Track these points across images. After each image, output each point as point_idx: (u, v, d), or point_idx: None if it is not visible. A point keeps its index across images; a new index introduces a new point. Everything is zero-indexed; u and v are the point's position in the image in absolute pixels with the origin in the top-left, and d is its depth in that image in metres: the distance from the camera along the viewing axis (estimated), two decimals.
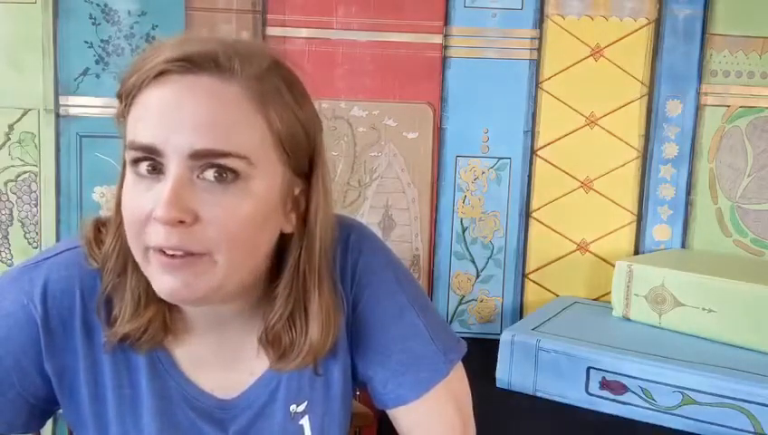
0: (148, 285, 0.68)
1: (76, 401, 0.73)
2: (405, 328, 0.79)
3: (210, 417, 0.74)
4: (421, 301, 0.82)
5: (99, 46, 1.48)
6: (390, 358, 0.78)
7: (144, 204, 0.63)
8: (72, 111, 1.49)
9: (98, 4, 1.46)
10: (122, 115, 0.67)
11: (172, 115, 0.62)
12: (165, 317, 0.72)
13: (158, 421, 0.73)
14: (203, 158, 0.62)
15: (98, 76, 1.48)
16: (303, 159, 0.72)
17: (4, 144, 1.50)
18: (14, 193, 1.51)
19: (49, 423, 1.49)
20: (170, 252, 0.62)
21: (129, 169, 0.65)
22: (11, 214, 1.51)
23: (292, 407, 0.75)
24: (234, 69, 0.65)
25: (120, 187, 0.67)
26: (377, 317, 0.78)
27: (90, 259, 0.71)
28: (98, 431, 0.74)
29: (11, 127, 1.49)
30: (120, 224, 0.67)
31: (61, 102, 1.48)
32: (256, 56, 0.69)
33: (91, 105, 1.48)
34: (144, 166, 0.63)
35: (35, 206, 1.51)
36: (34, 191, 1.51)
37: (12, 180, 1.50)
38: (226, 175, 0.63)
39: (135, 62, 0.66)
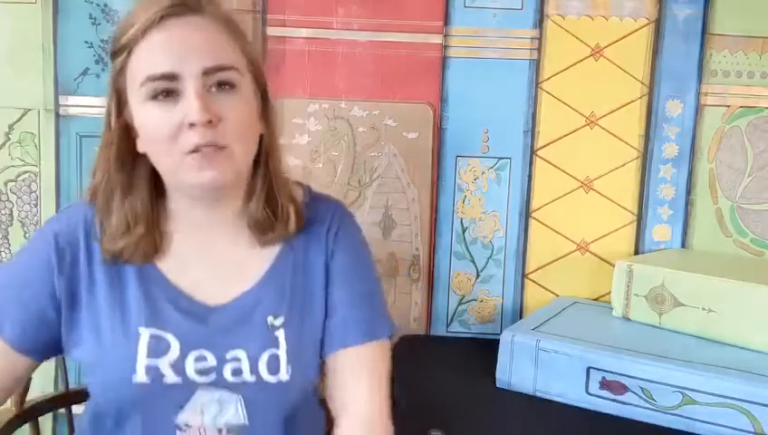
0: (137, 206, 0.89)
1: (77, 317, 0.89)
2: (367, 287, 0.97)
3: (195, 316, 0.89)
4: (378, 281, 1.01)
5: (99, 46, 1.48)
6: (351, 305, 0.93)
7: (172, 121, 0.82)
8: (72, 110, 1.49)
9: (98, 5, 1.47)
10: (123, 65, 0.84)
11: (181, 47, 0.82)
12: (154, 235, 0.90)
13: (145, 316, 0.87)
14: (211, 73, 0.82)
15: (98, 76, 1.48)
16: (261, 81, 0.91)
17: (4, 144, 1.50)
18: (14, 193, 1.51)
19: (49, 423, 1.50)
20: (205, 148, 0.81)
21: (144, 102, 0.83)
22: (11, 214, 1.51)
23: (270, 319, 0.89)
24: (212, 10, 0.86)
25: (108, 129, 0.90)
26: (348, 270, 0.95)
27: (91, 196, 0.92)
28: (94, 338, 0.88)
29: (11, 127, 1.49)
30: (106, 160, 0.90)
31: (61, 102, 1.48)
32: (220, 2, 0.89)
33: (91, 105, 1.48)
34: (161, 94, 0.82)
35: (35, 206, 1.51)
36: (34, 191, 1.51)
37: (12, 180, 1.50)
38: (226, 86, 0.84)
39: (126, 20, 0.85)
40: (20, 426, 1.14)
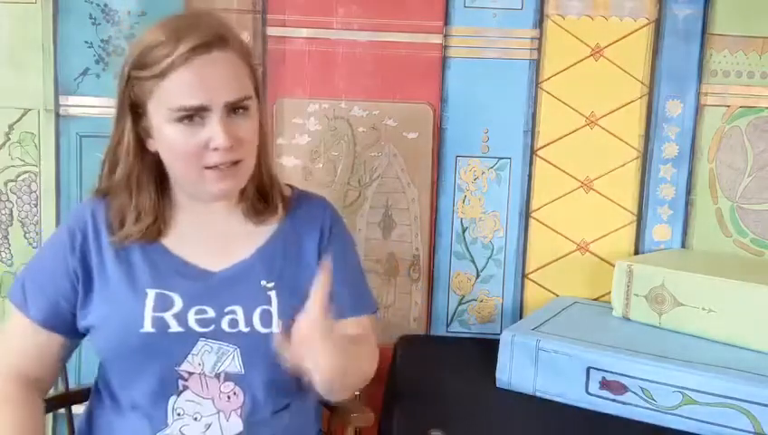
0: (146, 199, 1.03)
1: (90, 290, 1.03)
2: (358, 271, 1.16)
3: (196, 278, 1.03)
4: (363, 268, 1.20)
5: (99, 46, 1.48)
6: (344, 283, 1.04)
7: (196, 142, 0.95)
8: (72, 111, 1.49)
9: (98, 4, 1.46)
10: (152, 88, 0.96)
11: (210, 83, 0.95)
12: (160, 223, 1.04)
13: (152, 278, 1.01)
14: (233, 105, 0.97)
15: (98, 76, 1.48)
16: (259, 93, 1.05)
17: (4, 144, 1.50)
18: (14, 193, 1.51)
19: (49, 423, 1.50)
20: (223, 167, 0.97)
21: (170, 122, 0.96)
22: (11, 214, 1.51)
23: (263, 282, 1.03)
24: (230, 43, 0.98)
25: (121, 131, 1.01)
26: (341, 256, 1.09)
27: (98, 193, 1.07)
28: (104, 302, 1.01)
29: (11, 127, 1.49)
30: (124, 158, 1.01)
31: (61, 102, 1.48)
32: (234, 30, 1.01)
33: (91, 105, 1.48)
34: (187, 118, 0.95)
35: (35, 206, 1.51)
36: (34, 191, 1.51)
37: (12, 180, 1.50)
38: (241, 109, 0.98)
39: (155, 41, 0.96)
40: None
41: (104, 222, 1.04)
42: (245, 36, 1.49)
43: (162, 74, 0.95)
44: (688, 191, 1.56)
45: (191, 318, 0.99)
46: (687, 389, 1.16)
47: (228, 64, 0.97)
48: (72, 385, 1.24)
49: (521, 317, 1.57)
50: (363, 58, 1.50)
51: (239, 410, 0.99)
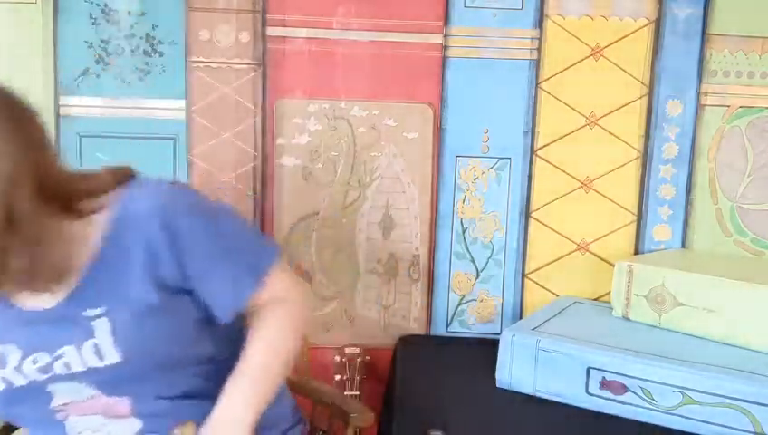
0: None
1: None
2: (224, 242, 0.97)
3: (29, 323, 0.93)
4: (231, 221, 1.01)
5: (99, 46, 1.48)
6: (217, 266, 0.95)
7: None
8: (72, 111, 1.49)
9: (98, 5, 1.47)
10: None
11: None
12: None
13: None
14: None
15: (98, 76, 1.48)
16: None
17: None
18: None
19: None
20: None
21: None
22: None
23: (87, 311, 0.91)
24: None
25: None
26: (196, 242, 0.94)
27: None
28: None
29: None
30: None
31: (61, 102, 1.48)
32: None
33: (91, 105, 1.48)
34: None
35: None
36: None
37: None
38: None
39: None
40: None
41: None
42: (245, 36, 1.49)
43: None
44: (688, 191, 1.56)
45: (28, 368, 0.92)
46: (687, 389, 1.16)
47: None
48: None
49: (521, 317, 1.57)
50: (363, 58, 1.50)
51: (129, 410, 0.95)
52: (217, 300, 0.96)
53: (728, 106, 1.52)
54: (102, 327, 0.91)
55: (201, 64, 1.50)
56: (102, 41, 1.47)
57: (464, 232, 1.57)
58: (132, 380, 0.94)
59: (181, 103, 1.50)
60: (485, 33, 1.51)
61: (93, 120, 1.49)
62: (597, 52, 1.52)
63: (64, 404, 0.94)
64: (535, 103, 1.53)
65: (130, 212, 0.94)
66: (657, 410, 1.18)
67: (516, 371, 1.29)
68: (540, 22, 1.51)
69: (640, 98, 1.53)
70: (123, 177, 0.98)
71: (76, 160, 1.49)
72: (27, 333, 0.94)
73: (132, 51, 1.48)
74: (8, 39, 1.46)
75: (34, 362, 0.93)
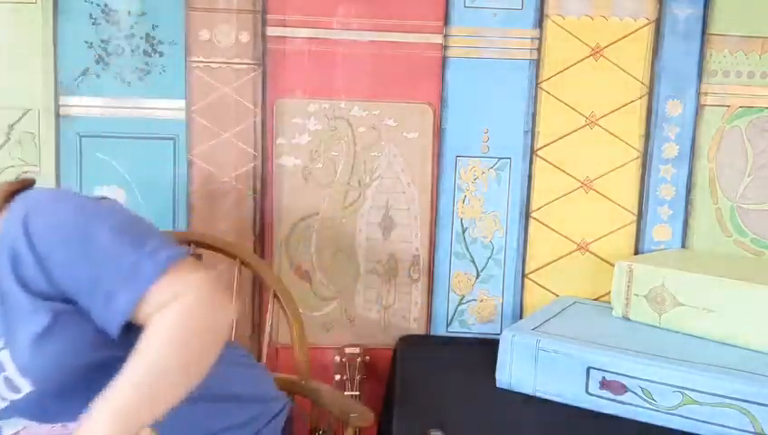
0: None
1: None
2: (96, 255, 0.86)
3: None
4: (104, 230, 0.88)
5: (99, 46, 1.48)
6: (94, 282, 0.85)
7: None
8: (72, 111, 1.49)
9: (98, 5, 1.47)
10: None
11: None
12: None
13: None
14: None
15: (98, 76, 1.48)
16: None
17: (4, 144, 1.50)
18: None
19: None
20: None
21: None
22: None
23: None
24: None
25: None
26: (62, 260, 0.86)
27: None
28: None
29: (11, 127, 1.49)
30: None
31: (61, 102, 1.48)
32: None
33: (91, 105, 1.48)
34: None
35: None
36: None
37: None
38: None
39: None
40: None
41: None
42: (245, 36, 1.49)
43: None
44: (688, 191, 1.56)
45: None
46: (687, 389, 1.16)
47: None
48: None
49: (521, 317, 1.57)
50: (363, 58, 1.50)
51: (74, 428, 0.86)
52: (95, 315, 0.87)
53: (728, 106, 1.52)
54: (7, 360, 0.86)
55: (201, 64, 1.50)
56: (102, 41, 1.47)
57: (464, 232, 1.57)
58: (57, 403, 0.89)
59: (181, 103, 1.50)
60: (485, 33, 1.51)
61: (93, 120, 1.49)
62: (597, 52, 1.52)
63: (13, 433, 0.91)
64: (535, 103, 1.53)
65: (3, 230, 0.87)
66: (657, 410, 1.18)
67: (516, 371, 1.29)
68: (540, 22, 1.51)
69: (640, 98, 1.53)
70: (12, 193, 0.91)
71: (76, 160, 1.49)
72: None
73: (132, 51, 1.48)
74: (8, 39, 1.46)
75: None
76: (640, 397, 1.19)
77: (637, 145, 1.55)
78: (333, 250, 1.57)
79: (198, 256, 1.41)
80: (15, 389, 0.87)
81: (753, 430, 1.12)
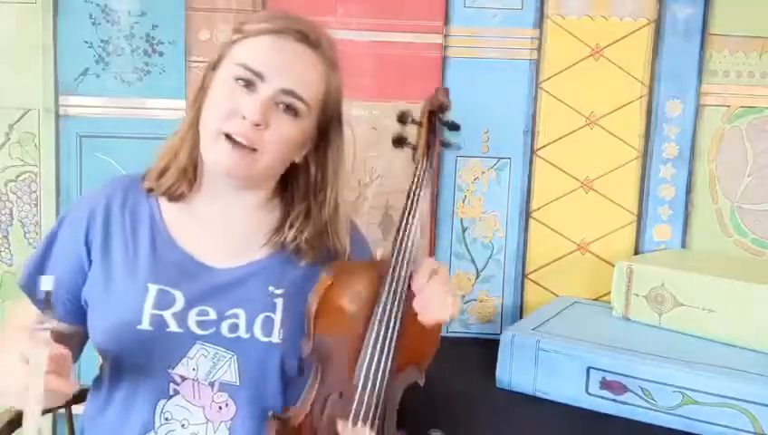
0: (190, 160, 1.00)
1: (95, 266, 0.99)
2: None
3: (200, 276, 0.98)
4: None
5: (99, 46, 1.48)
6: None
7: (234, 103, 0.93)
8: (72, 111, 1.49)
9: (98, 4, 1.47)
10: (234, 41, 0.97)
11: (280, 61, 0.95)
12: (187, 184, 1.01)
13: (155, 273, 0.97)
14: (286, 94, 0.95)
15: (98, 76, 1.48)
16: (328, 119, 1.03)
17: (4, 144, 1.50)
18: (14, 193, 1.51)
19: (49, 423, 1.50)
20: (238, 139, 0.92)
21: (225, 80, 0.95)
22: (11, 214, 1.51)
23: (271, 288, 0.98)
24: (321, 45, 0.98)
25: (201, 97, 0.98)
26: None
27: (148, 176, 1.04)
28: (103, 283, 0.98)
29: (11, 127, 1.49)
30: (194, 109, 0.99)
31: (61, 102, 1.48)
32: (329, 38, 1.01)
33: (91, 105, 1.48)
34: (241, 81, 0.94)
35: (35, 206, 1.51)
36: (34, 191, 1.51)
37: (12, 180, 1.50)
38: (291, 110, 0.96)
39: (258, 16, 1.04)
40: (20, 426, 1.14)
41: (142, 191, 1.03)
42: None
43: (248, 34, 0.96)
44: (688, 191, 1.56)
45: (191, 319, 0.94)
46: (687, 389, 1.16)
47: (308, 63, 0.97)
48: None
49: (521, 317, 1.57)
50: (363, 58, 1.50)
51: (229, 423, 0.96)
52: None
53: (728, 106, 1.52)
54: (280, 305, 0.97)
55: (201, 64, 1.50)
56: (102, 41, 1.47)
57: (464, 232, 1.57)
58: (262, 377, 0.96)
59: (181, 103, 1.49)
60: (485, 33, 1.51)
61: (93, 120, 1.49)
62: (597, 52, 1.52)
63: (182, 377, 0.95)
64: (535, 103, 1.53)
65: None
66: (657, 410, 1.18)
67: (516, 371, 1.29)
68: (540, 22, 1.51)
69: (640, 98, 1.53)
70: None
71: (76, 160, 1.49)
72: (198, 284, 0.97)
73: (132, 51, 1.48)
74: (8, 39, 1.46)
75: (200, 314, 0.95)
76: (640, 397, 1.19)
77: (637, 145, 1.55)
78: None
79: None
80: (269, 332, 0.96)
81: (753, 430, 1.12)
